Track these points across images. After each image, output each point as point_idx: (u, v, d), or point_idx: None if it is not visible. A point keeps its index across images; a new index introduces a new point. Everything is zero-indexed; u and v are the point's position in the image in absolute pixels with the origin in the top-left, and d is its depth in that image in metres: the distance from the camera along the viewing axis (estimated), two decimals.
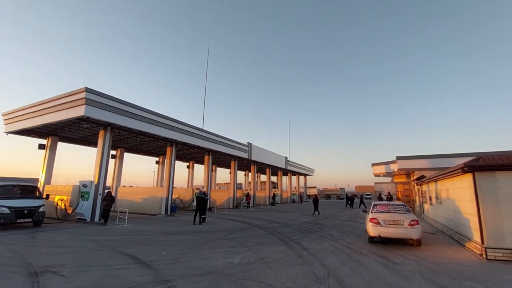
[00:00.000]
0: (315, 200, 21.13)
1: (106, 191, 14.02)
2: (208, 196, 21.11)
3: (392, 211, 8.47)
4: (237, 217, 16.98)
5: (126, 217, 13.03)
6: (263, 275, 5.30)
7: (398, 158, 21.31)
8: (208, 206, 21.83)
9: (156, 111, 16.25)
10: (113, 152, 21.69)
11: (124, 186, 22.21)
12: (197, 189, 16.89)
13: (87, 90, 12.17)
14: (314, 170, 51.89)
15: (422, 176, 17.10)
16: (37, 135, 17.00)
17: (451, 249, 7.98)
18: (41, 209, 11.80)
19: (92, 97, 12.45)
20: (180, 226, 12.82)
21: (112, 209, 18.74)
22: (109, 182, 22.59)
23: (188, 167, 29.75)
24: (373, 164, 27.35)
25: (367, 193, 69.14)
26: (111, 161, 21.71)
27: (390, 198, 23.93)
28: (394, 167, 23.42)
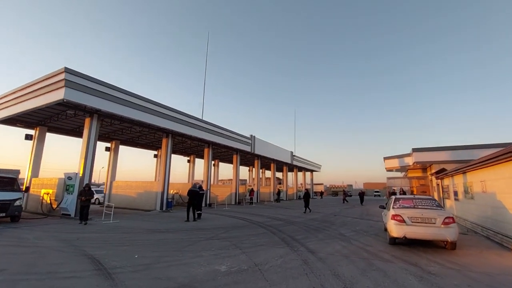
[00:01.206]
0: (306, 195, 17.86)
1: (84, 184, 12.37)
2: (205, 190, 19.72)
3: (419, 207, 6.92)
4: (237, 214, 15.59)
5: (112, 213, 11.78)
6: None
7: (414, 150, 19.48)
8: (208, 202, 20.61)
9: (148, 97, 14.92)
10: (107, 145, 20.56)
11: (129, 182, 20.89)
12: (199, 184, 15.58)
13: (67, 70, 10.89)
14: (321, 166, 50.12)
15: (443, 169, 15.37)
16: (24, 125, 15.89)
17: (495, 254, 6.39)
18: (17, 203, 10.63)
19: (73, 78, 11.16)
20: (172, 223, 11.50)
21: (105, 204, 17.65)
22: (103, 176, 21.48)
23: (188, 161, 28.51)
24: (385, 158, 25.55)
25: (376, 190, 67.05)
26: (106, 154, 20.65)
27: (403, 194, 22.22)
28: (409, 161, 21.60)
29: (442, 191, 15.17)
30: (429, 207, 6.86)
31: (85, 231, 9.02)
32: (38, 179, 15.21)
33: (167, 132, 17.59)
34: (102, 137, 19.88)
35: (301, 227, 10.41)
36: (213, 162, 32.87)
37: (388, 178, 25.16)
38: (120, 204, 18.57)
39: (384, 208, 8.99)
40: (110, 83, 12.88)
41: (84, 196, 10.89)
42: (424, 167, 21.97)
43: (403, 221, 6.53)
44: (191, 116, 18.07)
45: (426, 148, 19.00)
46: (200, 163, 36.81)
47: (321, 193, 52.83)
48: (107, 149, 20.41)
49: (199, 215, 12.72)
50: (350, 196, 62.64)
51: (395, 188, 28.52)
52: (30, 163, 15.53)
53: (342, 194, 32.02)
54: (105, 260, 5.41)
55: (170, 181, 19.25)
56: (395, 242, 7.13)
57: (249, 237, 8.28)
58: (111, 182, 19.89)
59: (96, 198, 21.41)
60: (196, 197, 12.35)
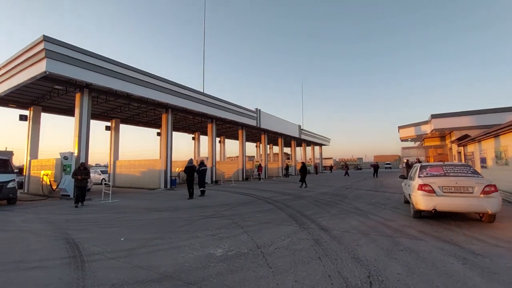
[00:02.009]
0: (303, 168, 15.64)
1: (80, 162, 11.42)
2: (207, 167, 18.96)
3: (451, 174, 5.85)
4: (243, 190, 14.94)
5: (110, 192, 11.24)
6: (253, 283, 3.03)
7: (434, 116, 17.90)
8: (214, 178, 20.04)
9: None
10: (107, 124, 19.86)
11: (131, 161, 20.38)
12: (201, 160, 14.86)
13: (46, 39, 9.78)
14: (330, 139, 48.76)
15: (466, 136, 14.03)
16: (17, 105, 15.18)
17: None
18: (10, 185, 10.14)
19: (55, 48, 10.09)
20: (174, 201, 10.90)
21: (103, 184, 17.25)
22: (106, 157, 21.05)
23: (193, 138, 27.78)
24: (400, 127, 24.04)
25: (387, 162, 65.84)
26: (107, 133, 20.04)
27: None
28: (426, 129, 20.11)
29: (465, 159, 13.94)
30: (463, 174, 5.79)
31: (79, 212, 8.47)
32: (37, 160, 14.77)
33: (166, 107, 16.62)
34: (101, 116, 19.17)
35: (311, 202, 9.59)
36: (218, 139, 32.13)
37: (403, 148, 23.78)
38: (124, 184, 18.27)
39: (405, 178, 7.98)
40: (100, 54, 11.78)
41: (80, 175, 10.16)
42: (442, 134, 20.49)
43: (432, 191, 5.52)
44: (191, 89, 16.92)
45: (446, 113, 17.36)
46: (205, 140, 36.16)
47: (331, 167, 52.16)
48: (107, 128, 19.74)
49: (203, 192, 12.10)
50: (360, 169, 61.78)
51: (409, 159, 27.32)
52: (27, 145, 15.03)
53: (344, 167, 31.08)
54: (85, 245, 4.71)
55: (175, 159, 18.67)
56: (421, 215, 6.20)
57: (253, 214, 7.51)
58: (114, 162, 19.46)
59: (102, 179, 21.18)
60: (196, 173, 11.63)
